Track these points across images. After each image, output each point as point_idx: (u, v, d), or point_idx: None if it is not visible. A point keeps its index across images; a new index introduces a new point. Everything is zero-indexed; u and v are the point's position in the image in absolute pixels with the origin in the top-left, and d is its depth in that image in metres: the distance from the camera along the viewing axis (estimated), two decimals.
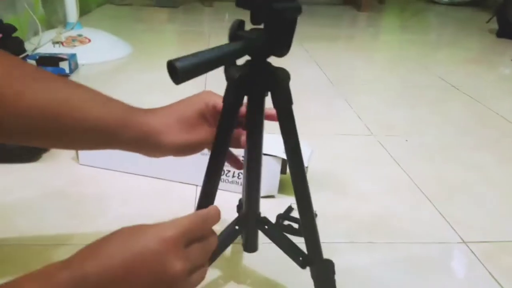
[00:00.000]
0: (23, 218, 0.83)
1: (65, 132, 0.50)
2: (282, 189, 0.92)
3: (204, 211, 0.43)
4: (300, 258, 0.60)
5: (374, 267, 0.75)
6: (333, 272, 0.59)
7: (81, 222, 0.83)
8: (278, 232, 0.64)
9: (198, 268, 0.40)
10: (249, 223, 0.63)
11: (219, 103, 0.52)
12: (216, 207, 0.45)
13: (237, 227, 0.63)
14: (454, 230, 0.85)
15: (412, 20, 3.39)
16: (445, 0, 4.04)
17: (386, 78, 1.84)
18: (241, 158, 0.59)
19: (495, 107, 1.52)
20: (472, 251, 0.80)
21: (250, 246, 0.65)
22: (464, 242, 0.82)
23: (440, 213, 0.91)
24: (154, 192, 0.94)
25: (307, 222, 0.55)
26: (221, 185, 0.92)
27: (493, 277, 0.74)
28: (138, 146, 0.53)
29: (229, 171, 0.93)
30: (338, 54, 2.17)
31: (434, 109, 1.50)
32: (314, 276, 0.59)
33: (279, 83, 0.47)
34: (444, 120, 1.41)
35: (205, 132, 0.54)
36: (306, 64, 1.93)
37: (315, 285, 0.59)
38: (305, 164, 0.92)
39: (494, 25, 2.77)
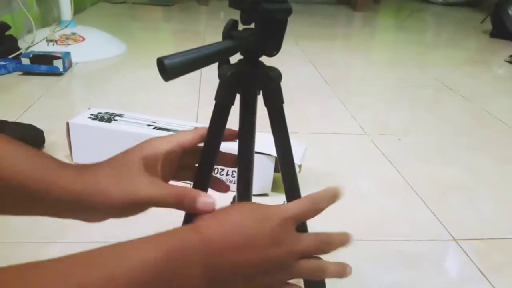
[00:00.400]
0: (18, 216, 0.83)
1: None
2: (275, 187, 0.93)
3: (316, 193, 0.42)
4: None
5: (367, 264, 0.76)
6: None
7: (75, 220, 0.83)
8: None
9: (310, 256, 0.40)
10: None
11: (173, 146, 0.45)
12: (334, 188, 0.43)
13: None
14: (446, 228, 0.86)
15: (407, 20, 3.40)
16: (440, 0, 4.06)
17: (381, 78, 1.85)
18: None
19: (489, 108, 1.53)
20: (463, 249, 0.80)
21: None
22: (454, 239, 0.83)
23: (432, 211, 0.91)
24: None
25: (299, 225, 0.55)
26: None
27: (482, 273, 0.75)
28: (70, 210, 0.45)
29: (222, 169, 0.93)
30: (334, 53, 2.18)
31: (428, 109, 1.51)
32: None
33: (271, 82, 0.48)
34: (438, 120, 1.42)
35: (150, 186, 0.42)
36: (301, 63, 1.93)
37: (304, 283, 0.60)
38: (299, 162, 0.92)
39: (488, 26, 2.79)
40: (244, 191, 0.60)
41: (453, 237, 0.84)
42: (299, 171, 0.92)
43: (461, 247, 0.81)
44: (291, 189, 0.54)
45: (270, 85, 0.48)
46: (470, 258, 0.78)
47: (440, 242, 0.83)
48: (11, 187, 0.40)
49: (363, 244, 0.81)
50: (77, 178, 0.42)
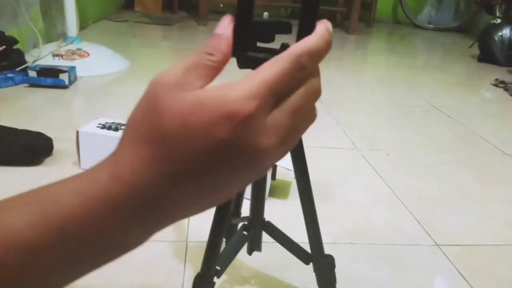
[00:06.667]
0: None
1: None
2: (272, 193, 0.99)
3: (303, 43, 0.26)
4: (304, 255, 0.66)
5: (354, 265, 0.82)
6: (334, 266, 0.65)
7: None
8: (282, 234, 0.70)
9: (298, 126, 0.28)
10: (256, 228, 0.69)
11: None
12: (321, 28, 0.27)
13: (245, 233, 0.69)
14: (429, 234, 0.93)
15: (398, 43, 3.52)
16: (430, 25, 4.20)
17: (373, 98, 1.93)
18: None
19: (475, 128, 1.61)
20: (444, 253, 0.87)
21: (255, 247, 0.71)
22: (437, 245, 0.89)
23: (416, 219, 0.98)
24: None
25: (311, 222, 0.62)
26: None
27: (462, 276, 0.81)
28: None
29: None
30: (327, 74, 2.26)
31: (417, 127, 1.59)
32: (316, 270, 0.65)
33: None
34: (426, 138, 1.49)
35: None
36: None
37: (317, 278, 0.65)
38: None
39: (476, 50, 2.91)
40: (257, 201, 0.66)
41: (435, 243, 0.90)
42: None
43: (443, 251, 0.87)
44: (305, 194, 0.60)
45: None
46: (451, 262, 0.85)
47: (423, 247, 0.89)
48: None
49: (351, 247, 0.87)
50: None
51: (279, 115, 0.25)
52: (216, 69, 0.26)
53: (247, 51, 0.30)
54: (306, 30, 0.28)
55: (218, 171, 0.25)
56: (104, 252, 0.25)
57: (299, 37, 0.28)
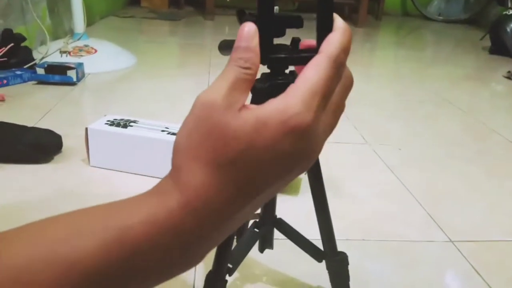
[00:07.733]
0: (38, 215, 0.88)
1: None
2: (282, 189, 0.98)
3: (336, 43, 0.28)
4: (316, 253, 0.65)
5: (366, 262, 0.80)
6: (347, 263, 0.64)
7: None
8: (294, 231, 0.69)
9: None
10: (267, 225, 0.68)
11: None
12: (340, 21, 0.29)
13: (256, 230, 0.68)
14: (442, 230, 0.91)
15: (407, 36, 3.48)
16: (440, 17, 4.15)
17: (382, 92, 1.91)
18: None
19: (487, 121, 1.59)
20: (458, 249, 0.85)
21: (267, 244, 0.70)
22: (451, 241, 0.88)
23: (429, 215, 0.96)
24: None
25: (323, 218, 0.61)
26: None
27: (477, 271, 0.79)
28: None
29: None
30: None
31: (427, 122, 1.57)
32: (329, 268, 0.64)
33: None
34: (437, 132, 1.47)
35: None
36: None
37: (330, 276, 0.64)
38: None
39: (487, 42, 2.86)
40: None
41: (449, 239, 0.88)
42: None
43: (457, 247, 0.86)
44: (318, 191, 0.59)
45: None
46: (465, 258, 0.83)
47: (437, 243, 0.87)
48: None
49: (363, 243, 0.86)
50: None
51: (326, 117, 0.28)
52: (252, 81, 0.28)
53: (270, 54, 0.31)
54: (325, 26, 0.29)
55: (279, 181, 0.27)
56: (168, 269, 0.28)
57: (320, 34, 0.29)
